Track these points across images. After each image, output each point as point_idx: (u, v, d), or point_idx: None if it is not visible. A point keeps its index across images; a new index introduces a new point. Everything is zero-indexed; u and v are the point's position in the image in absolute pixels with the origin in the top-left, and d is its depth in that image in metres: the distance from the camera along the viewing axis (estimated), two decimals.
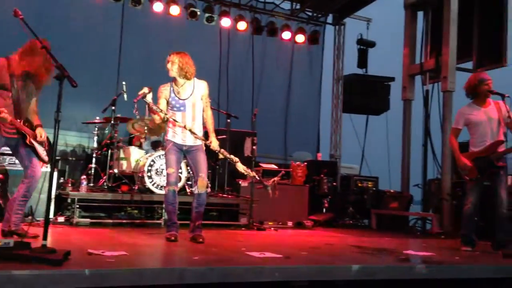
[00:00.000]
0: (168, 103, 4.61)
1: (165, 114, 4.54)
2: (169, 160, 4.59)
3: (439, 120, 7.96)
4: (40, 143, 4.16)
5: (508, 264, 3.99)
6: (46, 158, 4.22)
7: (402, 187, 8.64)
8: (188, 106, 4.62)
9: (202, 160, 4.62)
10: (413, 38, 8.84)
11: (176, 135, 4.59)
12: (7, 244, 2.89)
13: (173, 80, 4.69)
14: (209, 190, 4.72)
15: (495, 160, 4.72)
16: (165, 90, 4.65)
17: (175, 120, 4.52)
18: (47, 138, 4.28)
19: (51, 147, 4.27)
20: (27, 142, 4.03)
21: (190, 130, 4.49)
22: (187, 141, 4.60)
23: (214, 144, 4.63)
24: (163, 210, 6.27)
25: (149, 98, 4.51)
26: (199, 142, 4.61)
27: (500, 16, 7.92)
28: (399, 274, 3.42)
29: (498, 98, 4.79)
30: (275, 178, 5.41)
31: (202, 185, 4.56)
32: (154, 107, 4.50)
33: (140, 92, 4.49)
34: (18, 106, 3.94)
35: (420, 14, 8.85)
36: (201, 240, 4.45)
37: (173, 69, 4.66)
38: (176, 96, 4.63)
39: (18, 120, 3.94)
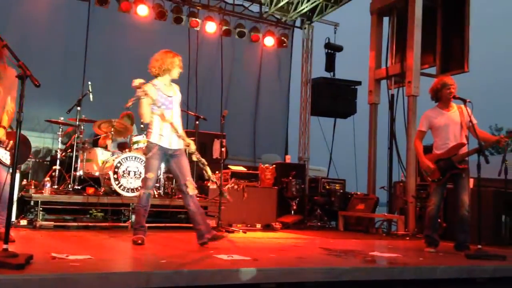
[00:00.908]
0: (155, 100, 4.43)
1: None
2: (152, 165, 4.43)
3: (404, 123, 8.14)
4: (0, 145, 4.04)
5: (470, 264, 4.11)
6: (6, 162, 4.08)
7: (368, 190, 8.79)
8: (175, 104, 4.55)
9: (187, 164, 4.54)
10: (379, 43, 9.02)
11: (162, 138, 4.42)
12: None
13: (155, 78, 4.58)
14: (196, 191, 4.61)
15: (456, 162, 4.87)
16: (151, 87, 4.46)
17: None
18: (25, 140, 4.20)
19: (24, 150, 4.26)
20: None
21: (177, 133, 4.45)
22: (173, 144, 4.48)
23: (193, 146, 4.59)
24: (130, 213, 6.19)
25: (148, 91, 4.37)
26: (182, 146, 4.52)
27: (462, 22, 8.17)
28: (365, 275, 3.48)
29: (460, 102, 4.94)
30: (232, 183, 5.52)
31: (192, 188, 4.49)
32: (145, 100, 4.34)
33: (140, 90, 4.34)
34: None
35: (386, 20, 9.03)
36: (224, 234, 4.46)
37: (158, 66, 4.57)
38: (164, 93, 4.50)
39: None
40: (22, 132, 3.19)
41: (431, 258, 4.50)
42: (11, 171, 4.01)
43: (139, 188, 6.19)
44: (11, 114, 4.09)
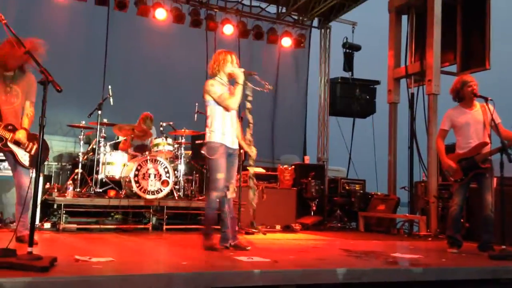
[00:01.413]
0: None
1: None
2: (221, 165, 4.29)
3: (425, 122, 8.04)
4: (20, 146, 4.08)
5: (494, 265, 4.04)
6: (25, 163, 4.12)
7: (389, 190, 8.70)
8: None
9: (236, 166, 4.50)
10: (398, 42, 8.93)
11: (225, 137, 4.35)
12: None
13: (216, 76, 4.49)
14: (234, 195, 4.53)
15: (479, 161, 4.78)
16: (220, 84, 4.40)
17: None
18: (43, 143, 4.19)
19: (43, 152, 4.18)
20: (1, 146, 4.00)
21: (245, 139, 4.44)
22: (235, 143, 4.43)
23: (254, 150, 4.58)
24: (151, 215, 6.25)
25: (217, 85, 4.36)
26: (237, 147, 4.48)
27: (483, 19, 8.04)
28: (386, 276, 3.44)
29: (482, 101, 4.86)
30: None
31: (232, 191, 4.43)
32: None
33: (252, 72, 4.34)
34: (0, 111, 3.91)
35: (404, 18, 8.94)
36: (248, 247, 4.30)
37: (214, 67, 4.50)
38: (227, 91, 4.42)
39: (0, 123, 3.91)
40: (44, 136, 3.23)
41: (453, 259, 4.44)
42: (31, 173, 4.11)
43: (159, 190, 6.28)
44: (31, 118, 4.17)
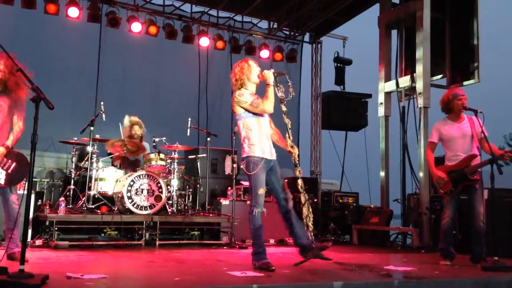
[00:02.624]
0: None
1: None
2: (261, 180, 4.15)
3: (416, 135, 8.11)
4: (3, 165, 4.03)
5: (487, 276, 4.05)
6: (1, 181, 4.05)
7: (382, 202, 8.72)
8: (266, 114, 4.34)
9: (281, 175, 4.35)
10: (388, 56, 9.03)
11: (265, 150, 4.22)
12: None
13: (242, 88, 4.32)
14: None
15: (469, 173, 4.83)
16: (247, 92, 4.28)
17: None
18: (22, 160, 4.12)
19: (22, 170, 4.13)
20: None
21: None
22: (273, 154, 4.30)
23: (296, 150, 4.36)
24: (144, 231, 6.22)
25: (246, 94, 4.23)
26: (275, 156, 4.34)
27: (471, 33, 8.17)
28: None
29: (471, 113, 4.93)
30: None
31: (291, 201, 4.32)
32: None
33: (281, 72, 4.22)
34: None
35: (394, 32, 9.06)
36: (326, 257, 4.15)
37: (237, 78, 4.34)
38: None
39: None
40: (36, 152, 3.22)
41: (447, 271, 4.45)
42: (9, 191, 4.07)
43: (152, 205, 6.25)
44: (18, 133, 4.09)
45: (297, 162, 4.13)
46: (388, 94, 8.93)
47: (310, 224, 3.96)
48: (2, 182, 4.06)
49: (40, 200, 6.61)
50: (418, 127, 8.05)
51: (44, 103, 3.18)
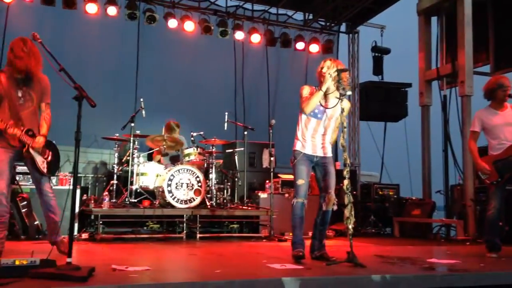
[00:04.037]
0: None
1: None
2: (300, 171, 4.24)
3: (459, 124, 7.88)
4: (39, 153, 4.03)
5: None
6: (43, 170, 4.08)
7: (424, 194, 8.54)
8: (326, 117, 4.30)
9: (333, 175, 4.34)
10: (428, 44, 8.79)
11: (305, 145, 4.29)
12: (33, 262, 2.95)
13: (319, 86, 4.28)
14: (335, 207, 4.33)
15: None
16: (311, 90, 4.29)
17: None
18: (55, 150, 4.20)
19: (56, 159, 4.21)
20: (24, 151, 3.93)
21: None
22: (318, 151, 4.32)
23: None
24: (185, 224, 6.33)
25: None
26: (330, 155, 4.38)
27: None
28: (423, 283, 3.38)
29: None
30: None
31: (330, 202, 4.27)
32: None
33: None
34: (16, 113, 3.87)
35: (434, 19, 8.81)
36: (333, 258, 4.09)
37: (318, 77, 4.32)
38: (320, 101, 4.28)
39: (20, 128, 3.87)
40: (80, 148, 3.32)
41: (492, 263, 4.32)
42: (48, 180, 4.17)
43: (192, 199, 6.36)
44: (48, 121, 4.11)
45: (347, 162, 4.03)
46: (428, 83, 8.71)
47: (350, 227, 3.89)
48: (45, 170, 4.11)
49: (85, 195, 6.85)
50: (460, 116, 7.82)
51: (87, 101, 3.26)
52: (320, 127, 4.31)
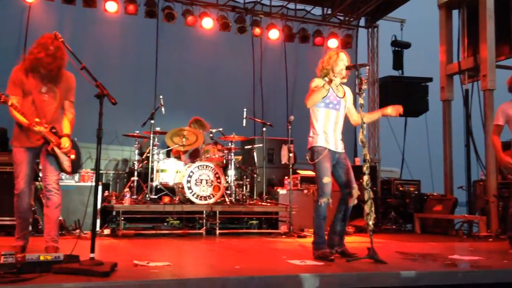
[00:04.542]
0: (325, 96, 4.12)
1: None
2: (326, 169, 4.07)
3: (481, 119, 7.74)
4: (63, 151, 3.98)
5: None
6: (68, 169, 4.05)
7: (446, 190, 8.43)
8: (342, 107, 4.24)
9: (351, 169, 4.25)
10: (449, 37, 8.65)
11: (329, 140, 4.15)
12: (57, 257, 3.01)
13: (328, 76, 4.23)
14: (355, 202, 4.22)
15: None
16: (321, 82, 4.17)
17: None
18: (77, 148, 4.17)
19: (79, 158, 4.19)
20: (49, 149, 3.88)
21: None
22: (339, 147, 4.21)
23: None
24: (204, 220, 6.37)
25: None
26: (343, 149, 4.26)
27: None
28: (444, 279, 3.35)
29: None
30: None
31: (355, 198, 4.18)
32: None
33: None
34: (40, 110, 3.84)
35: (455, 13, 8.66)
36: (355, 254, 4.01)
37: (321, 68, 4.27)
38: (334, 92, 4.20)
39: (44, 126, 3.84)
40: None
41: None
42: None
43: (211, 195, 6.39)
44: (72, 120, 4.08)
45: (366, 158, 3.95)
46: (450, 77, 8.58)
47: (370, 223, 3.84)
48: (69, 169, 4.08)
49: (106, 191, 6.94)
50: (482, 110, 7.69)
51: (107, 99, 3.30)
52: (339, 119, 4.22)
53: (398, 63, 10.54)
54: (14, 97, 3.82)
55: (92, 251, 3.07)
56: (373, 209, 3.87)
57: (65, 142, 3.96)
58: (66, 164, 4.03)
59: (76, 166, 4.20)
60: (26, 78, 3.85)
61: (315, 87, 4.14)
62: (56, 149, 3.93)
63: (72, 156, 4.09)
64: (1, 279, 2.64)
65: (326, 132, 4.14)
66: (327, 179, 4.06)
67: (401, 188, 8.77)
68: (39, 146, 3.93)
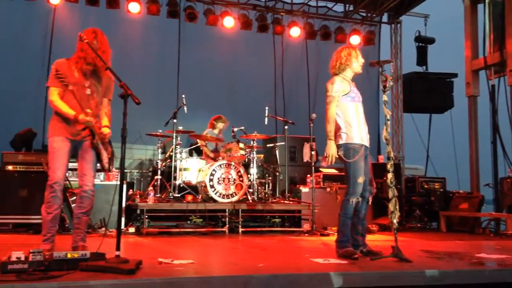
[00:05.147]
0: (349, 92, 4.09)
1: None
2: (361, 168, 4.00)
3: (508, 114, 7.58)
4: (103, 147, 3.93)
5: None
6: (106, 165, 4.00)
7: (472, 187, 8.30)
8: (361, 99, 4.18)
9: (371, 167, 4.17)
10: (475, 32, 8.50)
11: (363, 137, 4.06)
12: (84, 255, 3.07)
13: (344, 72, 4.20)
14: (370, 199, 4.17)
15: None
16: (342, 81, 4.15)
17: None
18: (111, 148, 4.10)
19: (114, 156, 4.14)
20: (94, 142, 3.81)
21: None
22: (368, 141, 4.14)
23: None
24: (227, 218, 6.40)
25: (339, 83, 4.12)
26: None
27: None
28: (471, 278, 3.29)
29: None
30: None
31: (373, 194, 4.15)
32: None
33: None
34: (82, 104, 3.78)
35: (480, 7, 8.49)
36: (381, 252, 3.94)
37: (335, 65, 4.23)
38: (354, 86, 4.17)
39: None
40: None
41: None
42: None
43: (234, 193, 6.41)
44: (109, 116, 4.04)
45: (390, 155, 3.87)
46: (475, 73, 8.43)
47: (395, 221, 3.78)
48: (107, 166, 4.04)
49: (131, 190, 7.04)
50: (509, 106, 7.52)
51: (131, 99, 3.34)
52: (362, 112, 4.17)
53: (422, 59, 10.40)
54: (54, 89, 3.79)
55: (118, 249, 3.12)
56: (397, 207, 3.81)
57: (105, 129, 3.91)
58: (106, 160, 3.96)
59: (111, 162, 4.09)
60: (70, 72, 3.82)
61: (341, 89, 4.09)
62: (99, 144, 3.86)
63: (110, 154, 4.02)
64: (29, 276, 2.71)
65: (360, 127, 4.07)
66: (361, 179, 3.99)
67: (426, 186, 8.66)
68: (79, 140, 3.85)
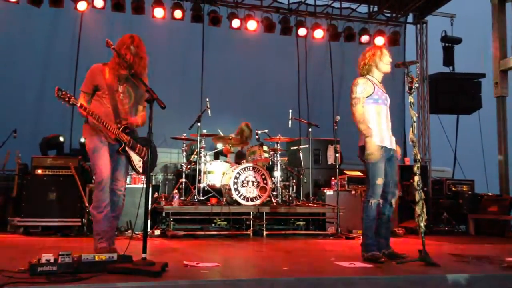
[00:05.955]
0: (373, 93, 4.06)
1: None
2: (380, 169, 3.96)
3: None
4: (135, 151, 3.95)
5: None
6: (140, 170, 4.01)
7: (501, 190, 8.11)
8: (388, 102, 4.16)
9: (397, 168, 4.16)
10: (503, 32, 8.32)
11: (384, 138, 4.03)
12: (111, 258, 3.11)
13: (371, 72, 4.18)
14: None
15: None
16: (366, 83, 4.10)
17: None
18: (154, 149, 4.14)
19: (154, 158, 4.16)
20: (120, 150, 3.84)
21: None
22: (393, 143, 4.11)
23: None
24: (251, 221, 6.41)
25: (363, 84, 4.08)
26: (396, 145, 4.18)
27: None
28: (502, 283, 3.21)
29: None
30: None
31: (396, 198, 4.11)
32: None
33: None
34: (116, 110, 3.84)
35: (508, 6, 8.31)
36: (407, 256, 3.89)
37: (363, 66, 4.20)
38: (380, 89, 4.13)
39: (118, 126, 3.82)
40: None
41: None
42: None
43: (258, 196, 6.42)
44: (143, 119, 4.04)
45: (417, 158, 3.81)
46: (504, 73, 8.25)
47: (422, 224, 3.72)
48: (141, 170, 4.00)
49: (156, 193, 7.12)
50: None
51: (157, 103, 3.38)
52: (388, 114, 4.13)
53: (448, 59, 10.22)
54: (83, 97, 3.86)
55: (144, 251, 3.16)
56: (424, 210, 3.75)
57: (136, 120, 3.95)
58: (139, 164, 3.98)
59: (150, 166, 3.98)
60: (105, 77, 3.86)
61: (365, 91, 4.05)
62: (128, 150, 3.88)
63: (146, 157, 3.97)
64: (59, 278, 2.76)
65: (381, 128, 4.04)
66: (381, 180, 3.96)
67: (453, 188, 8.50)
68: (113, 144, 3.87)
